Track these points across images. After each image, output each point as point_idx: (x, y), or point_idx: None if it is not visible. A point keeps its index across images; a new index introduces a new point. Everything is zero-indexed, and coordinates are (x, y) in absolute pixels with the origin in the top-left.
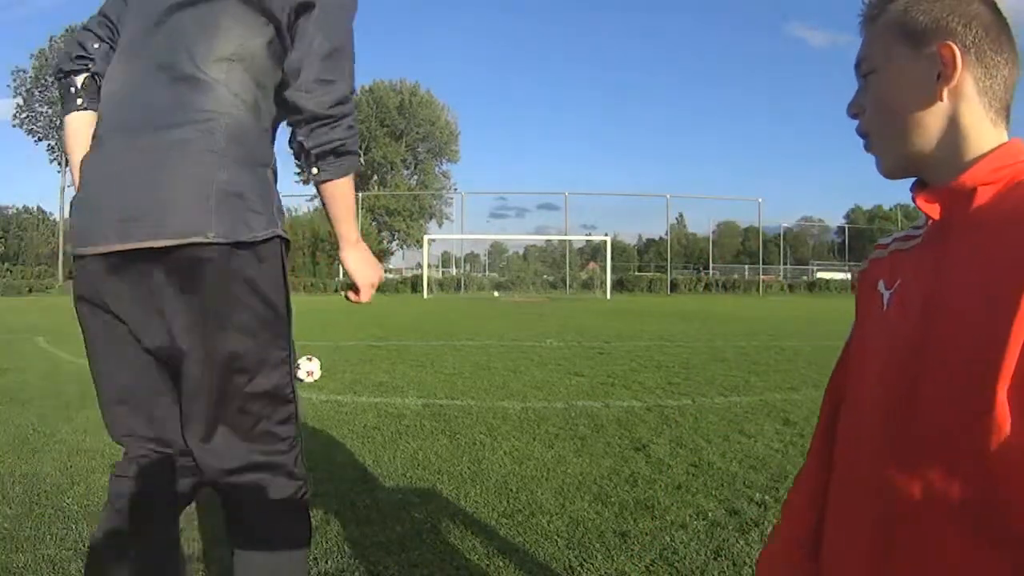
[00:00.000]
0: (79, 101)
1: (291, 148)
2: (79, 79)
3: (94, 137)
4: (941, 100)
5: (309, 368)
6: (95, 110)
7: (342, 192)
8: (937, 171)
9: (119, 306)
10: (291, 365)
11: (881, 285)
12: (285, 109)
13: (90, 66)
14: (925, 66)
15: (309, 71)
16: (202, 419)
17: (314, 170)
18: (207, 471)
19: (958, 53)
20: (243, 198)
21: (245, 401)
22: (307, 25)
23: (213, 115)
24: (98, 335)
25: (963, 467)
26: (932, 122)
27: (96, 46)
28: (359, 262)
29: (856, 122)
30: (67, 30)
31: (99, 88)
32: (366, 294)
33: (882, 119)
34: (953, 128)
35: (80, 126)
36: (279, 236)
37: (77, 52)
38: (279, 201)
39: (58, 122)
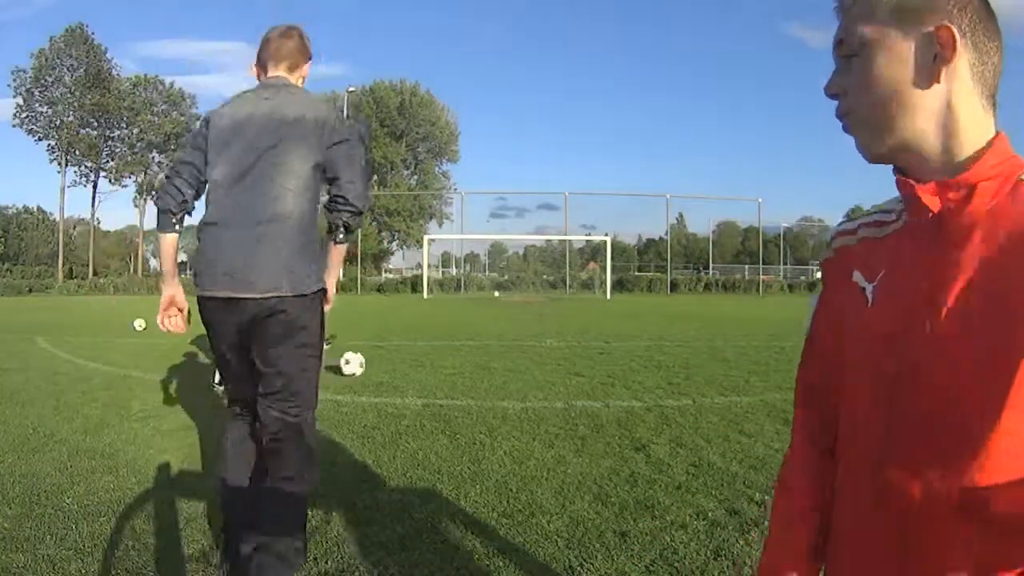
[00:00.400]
0: (176, 227)
1: (331, 216)
2: (178, 215)
3: (211, 223)
4: (938, 82)
5: (359, 361)
6: (179, 233)
7: (344, 249)
8: (927, 156)
9: (223, 325)
10: (318, 371)
11: (859, 277)
12: (336, 199)
13: (186, 207)
14: (921, 47)
15: (359, 184)
16: (266, 393)
17: (340, 236)
18: (267, 415)
19: (957, 35)
20: (301, 268)
21: (288, 387)
22: (352, 151)
23: (284, 216)
24: (216, 337)
25: (971, 467)
26: (927, 105)
27: (192, 192)
28: (334, 287)
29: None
30: (67, 30)
31: (184, 219)
32: (330, 304)
33: (872, 101)
34: (947, 112)
35: (174, 242)
36: (321, 288)
37: (180, 199)
38: (320, 262)
39: (58, 122)
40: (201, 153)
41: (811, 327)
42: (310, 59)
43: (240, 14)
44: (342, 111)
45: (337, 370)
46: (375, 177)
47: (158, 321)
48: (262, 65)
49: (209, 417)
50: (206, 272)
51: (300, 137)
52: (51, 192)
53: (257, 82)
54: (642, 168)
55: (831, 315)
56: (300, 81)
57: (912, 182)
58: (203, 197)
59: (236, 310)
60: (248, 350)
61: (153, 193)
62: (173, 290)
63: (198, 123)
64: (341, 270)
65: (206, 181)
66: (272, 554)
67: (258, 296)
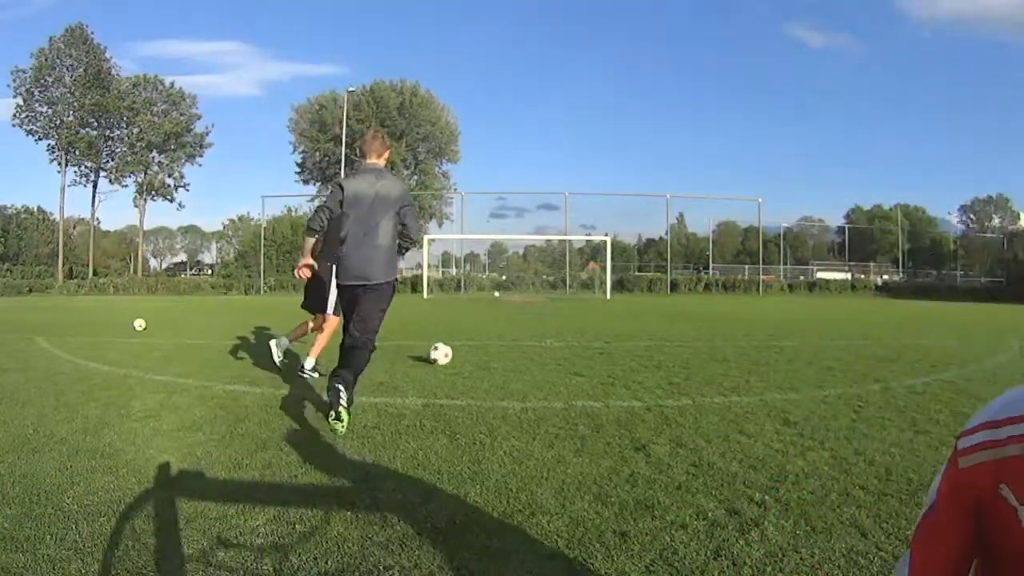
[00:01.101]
0: (317, 235)
1: (400, 241)
2: (318, 232)
3: (347, 246)
4: None
5: (444, 352)
6: (319, 239)
7: (406, 252)
8: None
9: (351, 295)
10: (384, 315)
11: (1008, 493)
12: (403, 236)
13: (324, 229)
14: None
15: (415, 230)
16: (364, 323)
17: (402, 250)
18: (360, 336)
19: None
20: (388, 271)
21: (376, 321)
22: (412, 211)
23: (382, 247)
24: (345, 302)
25: None
26: None
27: (327, 220)
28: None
29: None
30: (67, 30)
31: (326, 230)
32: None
33: None
34: None
35: (313, 241)
36: (396, 278)
37: (322, 225)
38: (397, 264)
39: (58, 122)
40: (337, 203)
41: (937, 513)
42: (389, 149)
43: (240, 14)
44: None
45: (428, 359)
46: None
47: (296, 272)
48: (363, 154)
49: (212, 416)
50: (344, 271)
51: (391, 207)
52: (51, 192)
53: (364, 163)
54: (642, 168)
55: (968, 519)
56: (384, 160)
57: None
58: (337, 224)
59: (359, 289)
60: (351, 304)
61: (308, 214)
62: (307, 259)
63: (333, 185)
64: (400, 258)
65: (335, 215)
66: (350, 373)
67: (370, 283)
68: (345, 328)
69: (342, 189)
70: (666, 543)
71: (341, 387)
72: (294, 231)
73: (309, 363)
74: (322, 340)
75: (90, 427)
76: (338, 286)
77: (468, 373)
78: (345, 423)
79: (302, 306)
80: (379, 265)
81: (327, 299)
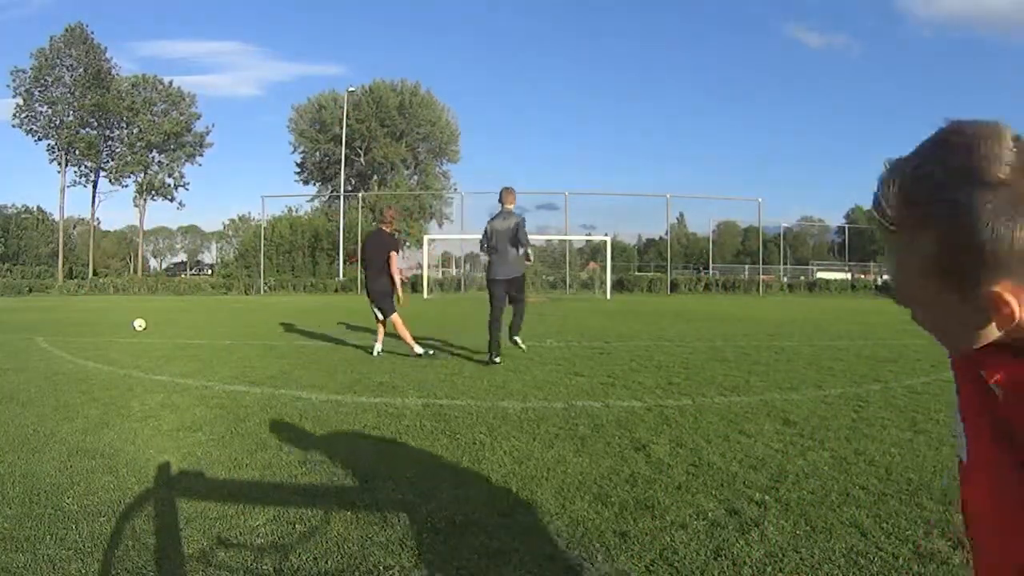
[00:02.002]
0: (484, 257)
1: (520, 246)
2: (484, 249)
3: (492, 257)
4: None
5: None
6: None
7: (530, 253)
8: None
9: (499, 286)
10: (524, 291)
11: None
12: (519, 243)
13: (486, 251)
14: None
15: (526, 241)
16: (513, 300)
17: (523, 253)
18: (518, 303)
19: None
20: (518, 270)
21: (521, 294)
22: (522, 230)
23: (511, 257)
24: (496, 289)
25: None
26: None
27: (484, 243)
28: (532, 258)
29: None
30: (67, 30)
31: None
32: (531, 261)
33: None
34: None
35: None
36: (523, 273)
37: (483, 244)
38: (522, 265)
39: (58, 122)
40: (486, 237)
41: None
42: (515, 198)
43: (240, 14)
44: (523, 220)
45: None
46: (375, 177)
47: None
48: (501, 202)
49: (212, 416)
50: (494, 271)
51: (513, 234)
52: (51, 192)
53: (502, 208)
54: (642, 168)
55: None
56: (512, 204)
57: None
58: (487, 247)
59: (503, 281)
60: (506, 291)
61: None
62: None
63: (487, 225)
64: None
65: (486, 243)
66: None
67: (508, 278)
68: (506, 302)
69: (491, 227)
70: (666, 543)
71: (518, 338)
72: (294, 231)
73: (418, 349)
74: (406, 332)
75: (90, 427)
76: (491, 280)
77: (468, 373)
78: (523, 348)
79: (380, 318)
80: (511, 267)
81: (394, 305)
